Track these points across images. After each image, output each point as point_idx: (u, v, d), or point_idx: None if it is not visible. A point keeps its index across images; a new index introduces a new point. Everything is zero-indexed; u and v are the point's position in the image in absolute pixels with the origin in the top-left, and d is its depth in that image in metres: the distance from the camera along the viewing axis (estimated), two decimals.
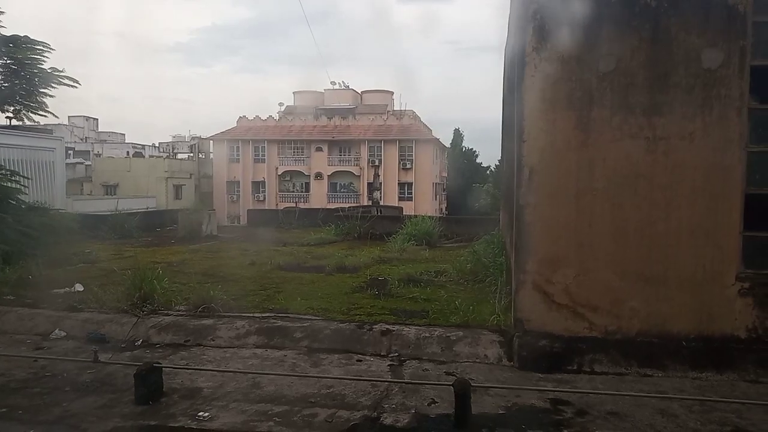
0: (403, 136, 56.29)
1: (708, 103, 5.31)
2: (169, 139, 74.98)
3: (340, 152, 58.13)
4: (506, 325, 6.16)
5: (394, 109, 61.62)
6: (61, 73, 13.01)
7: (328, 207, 35.17)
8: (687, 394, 4.76)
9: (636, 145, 5.40)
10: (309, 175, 57.88)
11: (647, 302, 5.39)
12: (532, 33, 5.56)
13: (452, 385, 4.26)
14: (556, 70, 5.52)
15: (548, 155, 5.58)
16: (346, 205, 32.97)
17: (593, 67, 5.46)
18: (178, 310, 6.99)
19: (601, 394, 4.67)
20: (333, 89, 64.26)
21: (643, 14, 5.36)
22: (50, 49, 12.79)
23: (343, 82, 65.47)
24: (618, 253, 5.45)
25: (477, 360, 5.70)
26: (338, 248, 13.83)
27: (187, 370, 5.37)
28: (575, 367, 5.41)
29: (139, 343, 6.30)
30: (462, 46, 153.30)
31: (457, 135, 70.64)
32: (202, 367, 5.49)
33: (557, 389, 4.83)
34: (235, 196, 56.70)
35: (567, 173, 5.53)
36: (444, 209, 61.05)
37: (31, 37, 12.55)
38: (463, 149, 70.21)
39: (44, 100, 12.98)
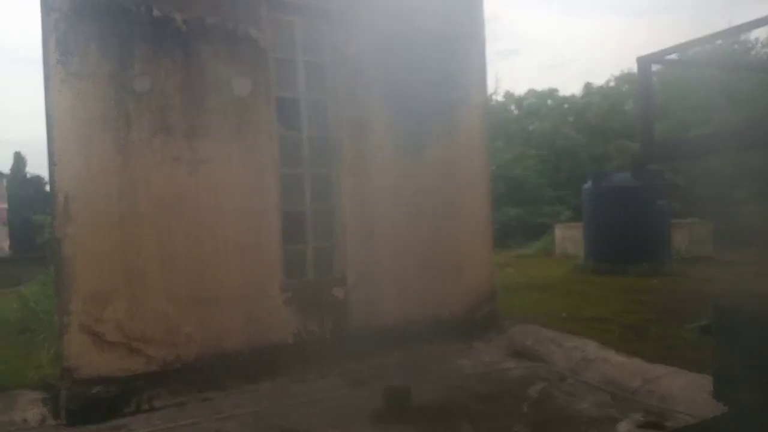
0: None
1: (243, 129, 5.67)
2: None
3: None
4: (55, 378, 5.25)
5: None
6: None
7: None
8: (242, 409, 4.89)
9: (178, 168, 5.34)
10: None
11: (202, 325, 5.37)
12: (55, 45, 4.95)
13: None
14: (87, 87, 5.02)
15: (85, 179, 5.01)
16: None
17: (128, 87, 5.17)
18: None
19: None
20: None
21: (174, 38, 5.36)
22: None
23: None
24: (169, 279, 5.27)
25: (14, 428, 4.65)
26: None
27: None
28: (133, 408, 4.97)
29: None
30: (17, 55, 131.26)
31: (19, 159, 60.53)
32: None
33: None
34: None
35: (108, 199, 5.07)
36: (8, 247, 51.20)
37: None
38: (27, 176, 60.58)
39: None
